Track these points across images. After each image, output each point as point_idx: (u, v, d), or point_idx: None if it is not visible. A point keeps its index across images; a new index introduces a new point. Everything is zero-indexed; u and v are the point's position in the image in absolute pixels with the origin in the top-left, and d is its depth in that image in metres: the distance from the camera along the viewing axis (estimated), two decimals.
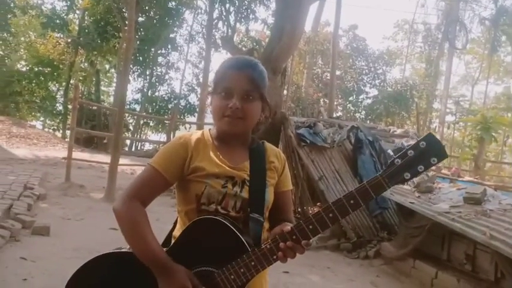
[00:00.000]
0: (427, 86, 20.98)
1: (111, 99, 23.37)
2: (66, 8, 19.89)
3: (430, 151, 1.09)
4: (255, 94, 1.27)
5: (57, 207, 5.60)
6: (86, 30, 18.61)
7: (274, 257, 1.16)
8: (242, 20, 17.82)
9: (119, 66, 17.23)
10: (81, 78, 20.78)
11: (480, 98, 26.00)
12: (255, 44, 16.26)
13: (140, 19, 17.94)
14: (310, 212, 6.15)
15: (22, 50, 21.60)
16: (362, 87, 21.64)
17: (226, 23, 17.62)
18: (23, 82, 19.31)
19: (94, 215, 5.41)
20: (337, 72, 18.32)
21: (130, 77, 18.73)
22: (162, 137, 20.63)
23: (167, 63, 21.98)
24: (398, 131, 8.17)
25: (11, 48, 20.14)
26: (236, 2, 16.64)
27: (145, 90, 21.42)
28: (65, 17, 20.00)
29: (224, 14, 17.11)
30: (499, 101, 24.17)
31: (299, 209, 6.50)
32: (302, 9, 7.43)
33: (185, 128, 16.63)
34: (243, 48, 14.01)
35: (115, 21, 17.69)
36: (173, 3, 19.49)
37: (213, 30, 17.70)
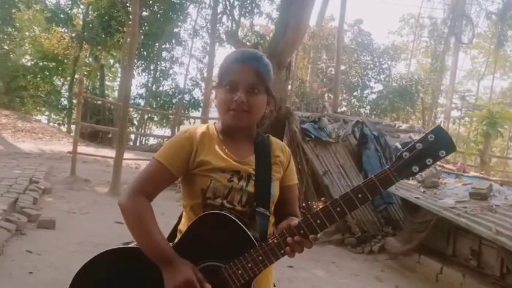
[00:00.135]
0: (433, 81, 20.81)
1: (116, 94, 23.46)
2: (70, 2, 19.90)
3: (438, 144, 1.08)
4: (260, 87, 1.26)
5: (62, 201, 5.63)
6: (90, 25, 18.61)
7: (282, 251, 1.15)
8: (246, 14, 17.75)
9: (123, 61, 17.24)
10: (85, 72, 20.83)
11: (486, 93, 25.83)
12: (259, 38, 16.20)
13: (144, 13, 17.90)
14: (315, 207, 6.15)
15: (27, 45, 21.66)
16: (367, 82, 21.52)
17: (230, 18, 17.56)
18: (28, 77, 19.39)
19: (99, 209, 5.44)
20: (342, 67, 18.23)
21: (134, 72, 18.74)
22: (167, 132, 20.71)
23: (171, 58, 21.96)
24: (404, 126, 8.13)
25: (16, 43, 20.18)
26: None
27: (149, 85, 21.44)
28: (69, 11, 20.00)
29: (228, 8, 17.05)
30: (505, 95, 24.01)
31: (303, 204, 6.49)
32: (307, 3, 7.37)
33: (189, 122, 16.64)
34: (248, 43, 13.97)
35: (119, 15, 17.68)
36: None
37: (217, 25, 17.65)
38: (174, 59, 22.03)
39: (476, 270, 4.01)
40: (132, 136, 19.38)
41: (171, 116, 15.85)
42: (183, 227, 1.32)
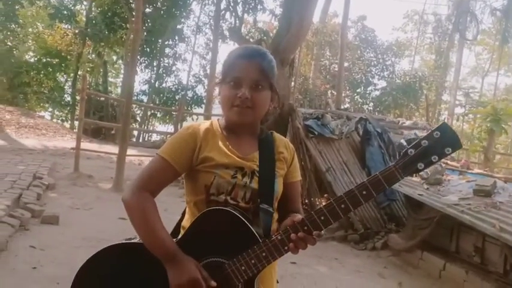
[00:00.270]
0: (437, 78, 20.73)
1: (119, 90, 23.46)
2: None
3: (444, 141, 1.07)
4: (264, 83, 1.26)
5: (66, 197, 5.66)
6: (93, 21, 18.60)
7: (286, 248, 1.15)
8: (250, 10, 17.68)
9: (126, 58, 17.22)
10: (88, 69, 20.85)
11: (490, 90, 25.72)
12: (262, 35, 16.14)
13: (147, 10, 17.86)
14: (318, 203, 6.15)
15: (30, 41, 21.70)
16: (370, 79, 21.44)
17: (233, 14, 17.50)
18: (32, 73, 19.41)
19: (103, 205, 5.46)
20: (345, 64, 18.16)
21: (137, 68, 18.74)
22: (170, 128, 20.71)
23: (174, 55, 21.93)
24: (407, 123, 8.10)
25: (19, 39, 20.21)
26: None
27: (152, 81, 21.43)
28: (72, 8, 20.00)
29: (232, 4, 16.99)
30: (509, 92, 23.87)
31: (306, 201, 6.49)
32: (310, 0, 7.34)
33: (192, 119, 16.63)
34: (251, 40, 13.94)
35: (122, 12, 17.66)
36: None
37: (221, 21, 17.61)
38: (177, 55, 22.01)
39: (479, 267, 4.00)
40: (135, 132, 19.40)
41: (174, 113, 15.89)
42: (186, 223, 1.32)
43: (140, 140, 19.01)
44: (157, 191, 1.25)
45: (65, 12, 19.26)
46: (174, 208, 3.66)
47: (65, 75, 22.45)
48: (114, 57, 23.41)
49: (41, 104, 21.88)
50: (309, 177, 6.35)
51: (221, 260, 1.18)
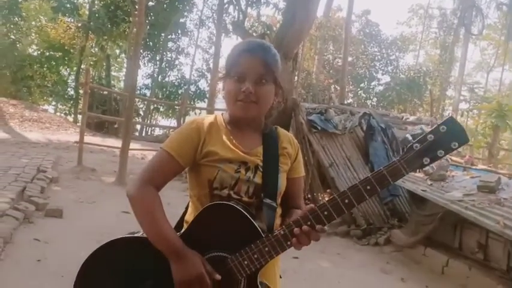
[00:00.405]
0: (441, 73, 20.62)
1: (122, 84, 23.49)
2: None
3: (450, 135, 1.06)
4: (268, 78, 1.25)
5: (69, 190, 5.68)
6: (96, 15, 18.56)
7: (288, 243, 1.15)
8: (253, 4, 17.61)
9: (129, 51, 17.21)
10: (91, 63, 20.84)
11: (495, 85, 25.55)
12: (266, 29, 16.07)
13: (150, 3, 17.81)
14: (320, 198, 6.14)
15: (33, 34, 21.69)
16: (374, 74, 21.36)
17: (237, 8, 17.43)
18: (35, 66, 19.45)
19: (106, 199, 5.48)
20: (349, 59, 18.07)
21: (140, 62, 18.71)
22: (172, 123, 20.75)
23: (177, 49, 21.90)
24: (411, 118, 8.06)
25: (22, 33, 20.21)
26: None
27: (155, 75, 21.44)
28: (75, 1, 19.99)
29: None
30: None
31: (309, 196, 6.49)
32: None
33: (195, 113, 16.67)
34: (254, 34, 13.88)
35: (125, 5, 17.61)
36: None
37: (224, 15, 17.56)
38: (180, 49, 21.99)
39: (482, 264, 3.99)
40: (138, 126, 19.45)
41: (177, 107, 15.87)
42: (189, 217, 1.32)
43: (143, 134, 19.06)
44: (162, 185, 1.25)
45: (68, 5, 19.26)
46: (177, 202, 3.67)
47: (68, 69, 22.47)
48: (117, 51, 23.40)
49: (45, 98, 21.93)
50: (311, 173, 6.34)
51: (224, 254, 1.18)
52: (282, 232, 1.15)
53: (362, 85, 21.39)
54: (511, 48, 23.56)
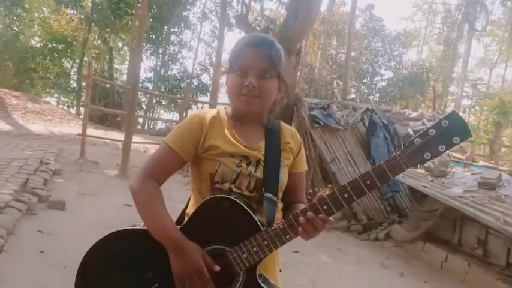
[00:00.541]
0: (444, 69, 20.52)
1: (124, 77, 23.46)
2: None
3: (452, 130, 1.04)
4: (271, 72, 1.25)
5: (72, 183, 5.71)
6: (99, 7, 18.52)
7: (287, 236, 1.16)
8: None
9: (131, 44, 17.17)
10: (94, 55, 20.83)
11: (498, 82, 25.44)
12: (269, 23, 15.98)
13: None
14: (322, 193, 6.16)
15: (36, 26, 21.67)
16: (377, 69, 21.27)
17: (240, 1, 17.27)
18: (37, 58, 19.45)
19: (108, 191, 5.50)
20: (352, 54, 17.99)
21: (143, 55, 18.68)
22: (175, 116, 20.75)
23: (180, 42, 21.86)
24: (414, 114, 8.05)
25: (25, 24, 20.20)
26: None
27: (158, 68, 21.40)
28: None
29: None
30: None
31: (310, 190, 6.51)
32: None
33: (197, 107, 16.64)
34: (258, 28, 13.83)
35: None
36: None
37: (227, 9, 17.44)
38: (182, 42, 21.95)
39: (481, 259, 4.01)
40: (141, 120, 19.45)
41: (179, 101, 15.86)
42: (191, 210, 1.33)
43: (145, 128, 19.07)
44: (164, 179, 1.26)
45: None
46: (178, 196, 3.69)
47: (70, 61, 22.47)
48: (120, 44, 23.38)
49: (47, 90, 21.96)
50: (313, 168, 6.36)
51: (223, 247, 1.19)
52: (281, 226, 1.16)
53: (365, 80, 21.32)
54: None
